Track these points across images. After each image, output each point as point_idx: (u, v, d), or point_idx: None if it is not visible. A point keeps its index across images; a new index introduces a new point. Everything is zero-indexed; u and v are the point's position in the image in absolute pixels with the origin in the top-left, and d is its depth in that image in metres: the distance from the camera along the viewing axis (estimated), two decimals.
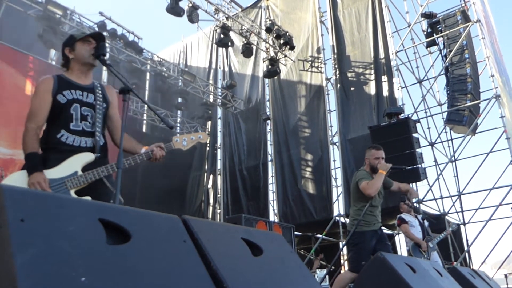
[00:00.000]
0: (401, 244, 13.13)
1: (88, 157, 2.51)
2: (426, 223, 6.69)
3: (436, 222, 9.92)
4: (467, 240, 11.06)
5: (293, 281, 1.66)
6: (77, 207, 1.17)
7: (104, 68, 2.68)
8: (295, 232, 9.63)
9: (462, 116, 9.90)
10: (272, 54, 12.60)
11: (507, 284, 9.32)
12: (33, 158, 2.38)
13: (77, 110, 2.56)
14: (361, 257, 4.12)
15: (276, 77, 13.32)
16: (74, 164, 2.44)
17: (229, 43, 11.83)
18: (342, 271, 9.00)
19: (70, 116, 2.53)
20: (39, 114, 2.48)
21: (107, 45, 2.66)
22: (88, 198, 2.38)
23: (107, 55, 2.55)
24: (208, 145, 15.05)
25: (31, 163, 2.37)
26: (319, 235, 12.38)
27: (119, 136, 2.67)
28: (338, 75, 12.32)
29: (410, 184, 10.08)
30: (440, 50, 11.40)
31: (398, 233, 13.10)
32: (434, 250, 6.37)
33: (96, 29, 10.53)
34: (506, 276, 9.65)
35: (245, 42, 12.02)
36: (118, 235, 1.20)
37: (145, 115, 13.65)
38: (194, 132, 2.92)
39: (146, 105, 13.29)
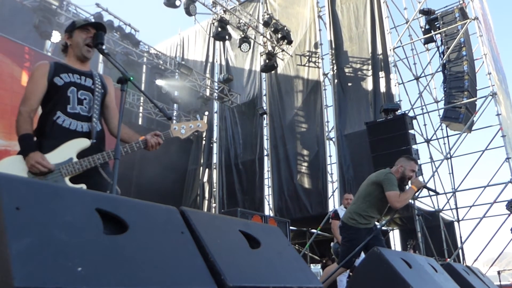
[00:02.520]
0: (395, 240, 13.22)
1: (84, 143, 2.44)
2: None
3: (432, 219, 9.99)
4: (460, 237, 11.13)
5: (290, 274, 1.65)
6: (74, 197, 1.15)
7: (101, 59, 2.66)
8: (290, 227, 9.64)
9: (458, 113, 9.92)
10: (270, 48, 12.57)
11: (499, 281, 9.39)
12: (27, 139, 2.32)
13: (74, 93, 2.50)
14: (353, 254, 4.05)
15: (273, 72, 13.31)
16: (69, 150, 2.37)
17: (227, 37, 11.78)
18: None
19: (67, 98, 2.48)
20: (32, 97, 2.42)
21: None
22: (83, 186, 2.33)
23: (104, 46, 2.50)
24: (204, 139, 15.02)
25: (25, 144, 2.31)
26: (314, 230, 12.41)
27: (115, 125, 2.62)
28: (335, 71, 12.31)
29: None
30: (438, 47, 11.42)
31: (393, 229, 13.18)
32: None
33: (93, 20, 10.45)
34: (499, 272, 9.72)
35: (243, 36, 11.98)
36: (115, 226, 1.18)
37: (141, 107, 13.60)
38: (193, 120, 2.83)
39: (142, 98, 13.25)
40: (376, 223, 6.18)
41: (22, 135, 2.33)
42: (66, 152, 2.36)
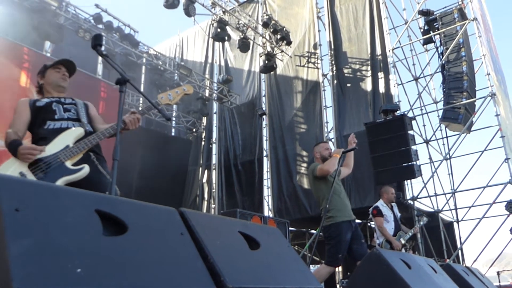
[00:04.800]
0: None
1: (78, 131, 2.54)
2: (398, 214, 6.37)
3: (431, 219, 9.99)
4: (460, 238, 11.13)
5: (290, 275, 1.65)
6: (74, 198, 1.15)
7: (100, 60, 2.73)
8: (290, 228, 9.63)
9: (457, 114, 9.92)
10: (269, 49, 12.56)
11: (499, 281, 9.40)
12: (14, 142, 2.41)
13: (59, 107, 2.67)
14: (338, 250, 4.03)
15: (272, 73, 13.30)
16: (65, 140, 2.47)
17: (226, 38, 11.78)
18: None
19: (53, 110, 2.63)
20: (17, 122, 2.57)
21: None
22: (86, 166, 2.41)
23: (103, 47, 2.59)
24: (203, 139, 15.02)
25: (13, 146, 2.40)
26: (313, 231, 12.40)
27: (101, 128, 2.72)
28: (334, 71, 12.31)
29: (405, 181, 10.13)
30: (437, 48, 11.41)
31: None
32: (408, 250, 6.16)
33: (92, 21, 10.44)
34: (498, 273, 9.72)
35: (242, 36, 11.98)
36: (115, 227, 1.18)
37: (140, 108, 13.59)
38: (177, 87, 2.91)
39: (141, 98, 13.24)
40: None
41: (9, 143, 2.44)
42: (63, 141, 2.47)
